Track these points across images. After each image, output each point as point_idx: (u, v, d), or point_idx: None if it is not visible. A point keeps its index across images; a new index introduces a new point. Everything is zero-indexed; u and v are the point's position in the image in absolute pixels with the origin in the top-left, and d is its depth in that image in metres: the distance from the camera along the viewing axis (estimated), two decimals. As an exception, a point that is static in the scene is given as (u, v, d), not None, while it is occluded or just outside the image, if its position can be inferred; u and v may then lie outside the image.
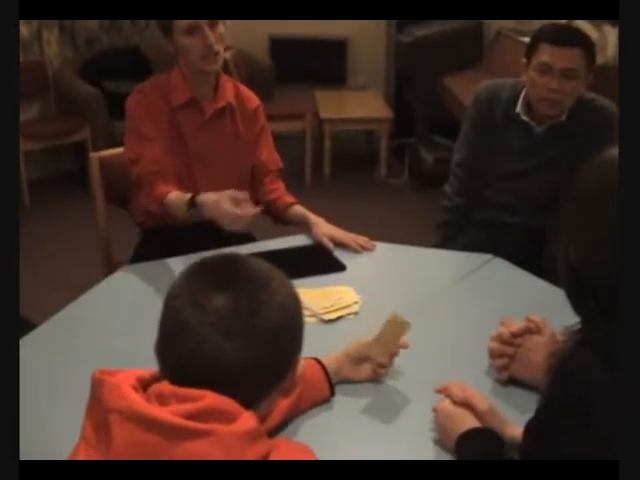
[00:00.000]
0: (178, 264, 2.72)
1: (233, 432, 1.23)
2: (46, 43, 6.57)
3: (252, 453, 1.24)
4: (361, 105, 7.13)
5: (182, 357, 1.29)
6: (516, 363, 2.04)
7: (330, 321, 2.36)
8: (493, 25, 6.22)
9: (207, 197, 2.65)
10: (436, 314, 2.44)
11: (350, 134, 7.27)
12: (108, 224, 3.35)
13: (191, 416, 1.23)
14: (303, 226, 3.02)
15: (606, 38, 5.02)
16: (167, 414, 1.23)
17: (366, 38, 7.67)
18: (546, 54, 2.94)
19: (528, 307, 2.21)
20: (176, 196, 2.80)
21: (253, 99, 3.17)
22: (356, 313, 2.41)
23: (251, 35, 7.38)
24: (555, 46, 2.93)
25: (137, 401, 1.26)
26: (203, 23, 2.81)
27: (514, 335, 2.04)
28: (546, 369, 1.42)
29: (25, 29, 6.43)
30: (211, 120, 3.02)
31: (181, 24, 2.82)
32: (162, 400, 1.28)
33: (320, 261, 2.77)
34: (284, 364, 1.34)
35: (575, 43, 2.92)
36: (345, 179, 6.71)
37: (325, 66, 7.68)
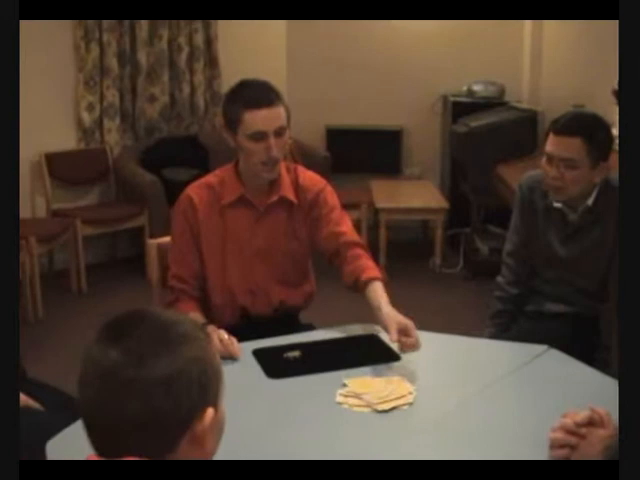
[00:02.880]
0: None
1: None
2: (107, 131, 6.72)
3: None
4: (416, 195, 7.16)
5: (88, 411, 1.36)
6: (576, 455, 1.98)
7: (384, 411, 2.34)
8: (547, 115, 6.25)
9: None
10: (491, 406, 2.40)
11: (405, 223, 7.28)
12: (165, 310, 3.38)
13: None
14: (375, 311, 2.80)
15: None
16: None
17: (421, 129, 7.74)
18: (550, 143, 3.02)
19: (585, 399, 2.17)
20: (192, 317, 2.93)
21: (312, 187, 3.08)
22: (411, 404, 2.39)
23: (307, 125, 7.48)
24: (556, 135, 2.99)
25: None
26: (270, 132, 2.83)
27: (578, 425, 2.00)
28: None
29: (87, 117, 6.61)
30: (264, 215, 3.03)
31: (249, 128, 2.83)
32: None
33: (375, 351, 2.75)
34: (181, 413, 1.36)
35: (574, 133, 2.95)
36: (400, 268, 6.71)
37: (380, 156, 7.74)
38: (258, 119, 2.82)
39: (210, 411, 1.39)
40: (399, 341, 2.60)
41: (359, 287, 2.92)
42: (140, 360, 1.33)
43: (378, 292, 2.86)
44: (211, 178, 3.07)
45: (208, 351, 1.43)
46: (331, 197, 3.08)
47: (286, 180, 3.04)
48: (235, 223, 3.02)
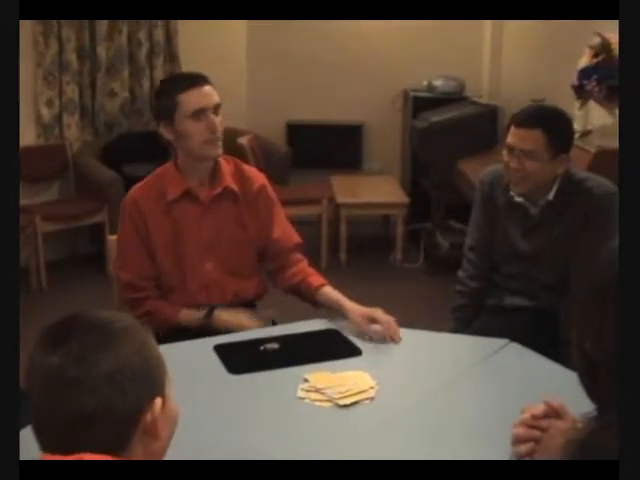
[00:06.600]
0: (194, 347, 2.73)
1: None
2: (66, 126, 6.66)
3: None
4: (377, 190, 7.17)
5: (38, 413, 1.37)
6: (540, 449, 1.99)
7: (345, 406, 2.34)
8: (507, 110, 6.28)
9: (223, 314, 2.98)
10: (452, 400, 2.42)
11: (366, 219, 7.29)
12: (124, 306, 3.36)
13: None
14: (336, 311, 2.94)
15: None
16: None
17: (381, 124, 7.75)
18: (511, 135, 3.06)
19: (545, 392, 2.18)
20: (186, 314, 3.00)
21: (257, 179, 3.12)
22: (372, 398, 2.39)
23: (268, 121, 7.47)
24: (517, 128, 3.04)
25: None
26: (209, 108, 2.86)
27: (536, 418, 2.01)
28: (564, 456, 1.41)
29: (47, 112, 6.53)
30: (210, 207, 3.02)
31: (187, 108, 2.84)
32: None
33: (336, 346, 2.76)
34: (129, 405, 1.38)
35: (535, 124, 3.00)
36: (361, 263, 6.72)
37: (341, 151, 7.75)
38: (195, 98, 2.85)
39: (158, 401, 1.41)
40: (376, 331, 2.78)
41: (304, 289, 3.06)
42: (81, 360, 1.34)
43: (334, 293, 3.01)
44: (151, 178, 3.08)
45: (148, 343, 1.45)
46: (272, 192, 3.15)
47: (227, 170, 3.05)
48: (182, 219, 3.00)
